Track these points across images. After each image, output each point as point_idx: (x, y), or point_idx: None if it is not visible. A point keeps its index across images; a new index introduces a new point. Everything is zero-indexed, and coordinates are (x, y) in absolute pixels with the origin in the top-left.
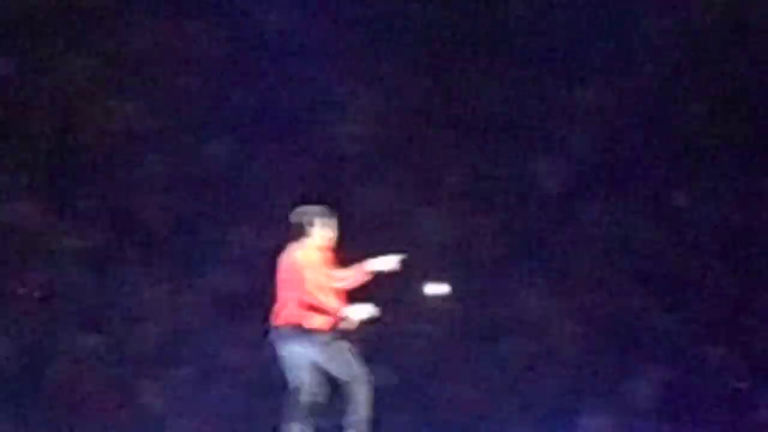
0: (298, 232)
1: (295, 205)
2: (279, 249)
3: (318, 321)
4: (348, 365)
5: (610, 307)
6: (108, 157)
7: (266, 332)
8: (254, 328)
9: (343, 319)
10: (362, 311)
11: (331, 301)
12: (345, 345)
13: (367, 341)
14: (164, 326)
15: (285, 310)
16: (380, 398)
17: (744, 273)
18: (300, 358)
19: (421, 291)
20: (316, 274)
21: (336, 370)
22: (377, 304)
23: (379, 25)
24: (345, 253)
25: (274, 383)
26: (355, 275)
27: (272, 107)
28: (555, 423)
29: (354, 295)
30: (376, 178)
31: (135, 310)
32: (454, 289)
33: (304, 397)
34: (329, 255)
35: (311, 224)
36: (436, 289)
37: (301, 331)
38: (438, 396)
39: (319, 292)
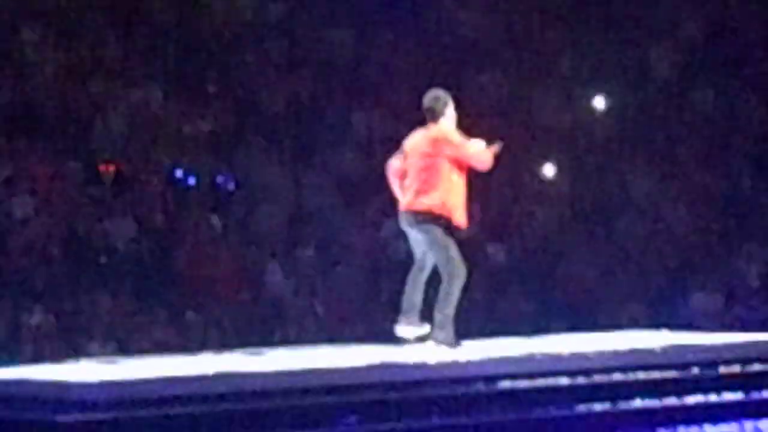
0: (430, 114)
1: (415, 90)
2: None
3: (438, 208)
4: (451, 257)
5: (719, 188)
6: (231, 44)
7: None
8: (375, 211)
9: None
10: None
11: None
12: (453, 239)
13: (485, 222)
14: (287, 208)
15: (409, 196)
16: (498, 277)
17: None
18: (419, 242)
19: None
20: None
21: (437, 257)
22: (496, 186)
23: None
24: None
25: (392, 265)
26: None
27: None
28: (668, 300)
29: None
30: (492, 64)
31: (258, 192)
32: (571, 171)
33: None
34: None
35: (447, 105)
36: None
37: (421, 217)
38: (553, 275)
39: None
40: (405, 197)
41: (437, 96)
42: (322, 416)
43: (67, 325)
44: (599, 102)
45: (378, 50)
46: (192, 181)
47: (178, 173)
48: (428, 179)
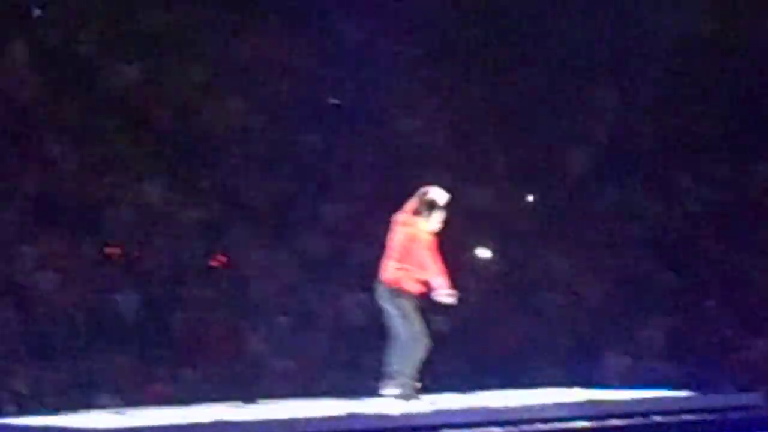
0: (418, 210)
1: (376, 185)
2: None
3: (409, 285)
4: (413, 325)
5: (625, 268)
6: (219, 146)
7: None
8: (339, 285)
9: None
10: (447, 297)
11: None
12: (416, 307)
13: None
14: (267, 283)
15: (386, 273)
16: (437, 343)
17: (733, 241)
18: (392, 314)
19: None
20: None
21: (402, 326)
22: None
23: (435, 41)
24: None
25: (353, 331)
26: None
27: (352, 107)
28: (582, 363)
29: None
30: (437, 165)
31: (243, 269)
32: (497, 253)
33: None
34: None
35: (425, 201)
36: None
37: (395, 291)
38: (482, 340)
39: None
40: None
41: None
42: None
43: (82, 380)
44: (528, 197)
45: (342, 152)
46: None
47: (176, 254)
48: None
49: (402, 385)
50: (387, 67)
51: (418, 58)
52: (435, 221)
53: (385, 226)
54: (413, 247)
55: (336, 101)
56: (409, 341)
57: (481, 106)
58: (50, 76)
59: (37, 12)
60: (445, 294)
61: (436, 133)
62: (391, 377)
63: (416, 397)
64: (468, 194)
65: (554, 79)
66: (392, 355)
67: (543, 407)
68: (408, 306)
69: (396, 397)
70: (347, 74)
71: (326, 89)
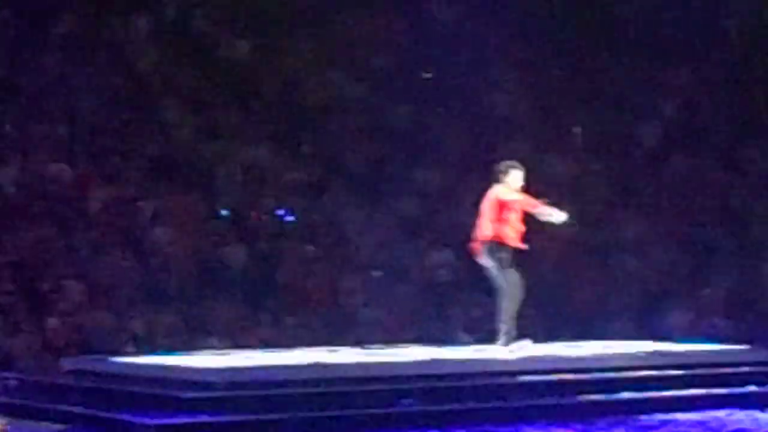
0: (496, 177)
1: (464, 153)
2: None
3: (506, 238)
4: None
5: (690, 232)
6: (322, 115)
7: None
8: (429, 243)
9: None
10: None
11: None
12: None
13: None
14: (362, 239)
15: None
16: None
17: None
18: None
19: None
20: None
21: (497, 276)
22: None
23: (521, 24)
24: None
25: (440, 286)
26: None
27: (443, 81)
28: (650, 318)
29: None
30: (520, 136)
31: (341, 227)
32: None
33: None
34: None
35: (505, 173)
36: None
37: (494, 246)
38: (560, 296)
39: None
40: None
41: (500, 164)
42: (385, 398)
43: (193, 325)
44: (599, 165)
45: (432, 122)
46: (290, 217)
47: (280, 211)
48: None
49: (506, 333)
50: (476, 45)
51: (505, 39)
52: (516, 180)
53: (471, 191)
54: (507, 201)
55: (429, 75)
56: (509, 290)
57: (562, 83)
58: (169, 49)
59: None
60: (549, 212)
61: (520, 108)
62: (498, 328)
63: (521, 342)
64: (548, 163)
65: (629, 59)
66: (497, 306)
67: (614, 357)
68: (505, 258)
69: (502, 344)
70: (440, 51)
71: (420, 64)
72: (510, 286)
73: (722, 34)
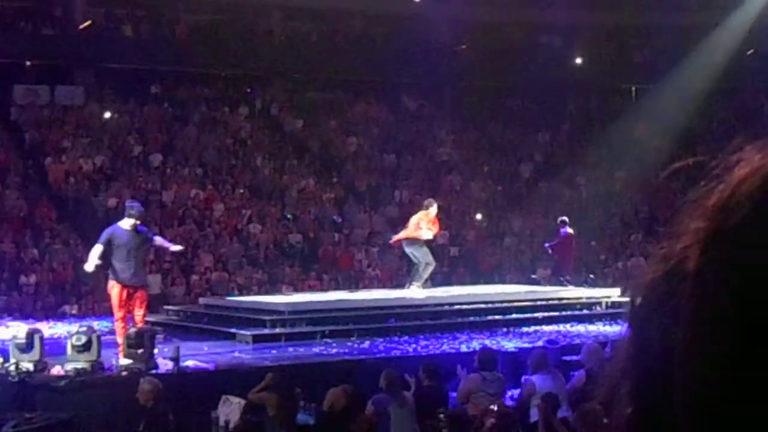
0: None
1: (423, 181)
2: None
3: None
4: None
5: (545, 226)
6: (343, 161)
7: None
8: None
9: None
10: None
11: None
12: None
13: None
14: (366, 231)
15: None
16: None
17: None
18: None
19: None
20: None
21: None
22: None
23: (459, 106)
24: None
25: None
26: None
27: (413, 142)
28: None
29: None
30: (455, 171)
31: (354, 223)
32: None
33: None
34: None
35: (429, 206)
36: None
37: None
38: (473, 264)
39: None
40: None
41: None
42: (379, 318)
43: (273, 280)
44: (500, 187)
45: (404, 164)
46: (338, 219)
47: (318, 218)
48: None
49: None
50: (429, 120)
51: (447, 115)
52: (433, 210)
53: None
54: (419, 221)
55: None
56: (422, 264)
57: (478, 141)
58: (258, 127)
59: None
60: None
61: (454, 155)
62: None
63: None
64: (470, 188)
65: (514, 127)
66: (414, 273)
67: (506, 293)
68: (417, 246)
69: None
70: (407, 125)
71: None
72: (422, 262)
73: (567, 112)
